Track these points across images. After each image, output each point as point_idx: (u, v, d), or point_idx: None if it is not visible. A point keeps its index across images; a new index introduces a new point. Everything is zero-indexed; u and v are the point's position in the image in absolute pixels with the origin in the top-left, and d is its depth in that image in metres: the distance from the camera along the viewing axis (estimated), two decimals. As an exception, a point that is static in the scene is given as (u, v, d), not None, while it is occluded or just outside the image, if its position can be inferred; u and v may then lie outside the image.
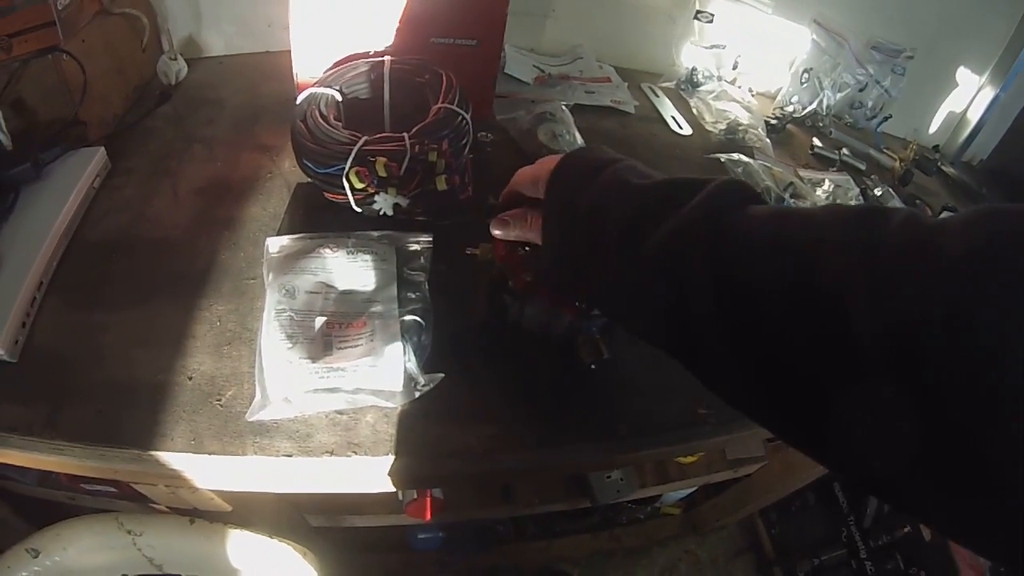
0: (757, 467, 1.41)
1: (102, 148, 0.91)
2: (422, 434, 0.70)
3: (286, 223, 0.88)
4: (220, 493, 0.87)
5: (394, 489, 0.73)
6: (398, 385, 0.70)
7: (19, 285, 0.76)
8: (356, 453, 0.68)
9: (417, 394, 0.71)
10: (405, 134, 0.81)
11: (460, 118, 0.86)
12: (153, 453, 0.66)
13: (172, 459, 0.67)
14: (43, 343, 0.74)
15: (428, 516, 1.13)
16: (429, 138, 0.82)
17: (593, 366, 0.73)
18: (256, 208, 0.90)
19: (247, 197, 0.91)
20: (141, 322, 0.76)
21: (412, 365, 0.72)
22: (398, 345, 0.72)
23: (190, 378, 0.72)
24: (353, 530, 1.27)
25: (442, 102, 0.87)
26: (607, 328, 0.73)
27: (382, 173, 0.78)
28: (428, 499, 1.12)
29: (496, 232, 0.68)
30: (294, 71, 0.97)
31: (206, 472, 0.69)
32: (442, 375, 0.72)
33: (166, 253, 0.84)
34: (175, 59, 1.05)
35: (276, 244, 0.82)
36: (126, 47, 1.03)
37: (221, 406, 0.70)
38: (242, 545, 0.86)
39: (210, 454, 0.67)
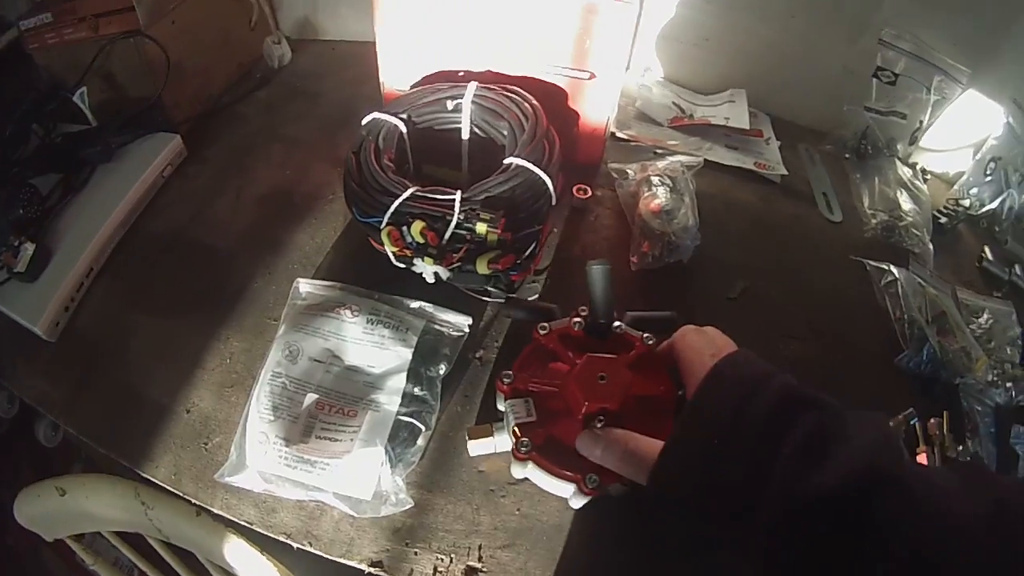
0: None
1: (178, 136, 0.89)
2: (383, 548, 0.62)
3: (327, 262, 0.81)
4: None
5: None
6: (367, 494, 0.63)
7: (69, 270, 0.78)
8: (311, 546, 0.63)
9: (383, 511, 0.63)
10: (458, 193, 0.69)
11: (537, 179, 0.72)
12: (138, 471, 0.68)
13: (154, 482, 0.68)
14: (81, 329, 0.77)
15: None
16: (487, 203, 0.69)
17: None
18: (305, 235, 0.84)
19: (301, 218, 0.86)
20: (167, 334, 0.76)
21: (388, 477, 0.63)
22: (379, 451, 0.63)
23: (188, 411, 0.70)
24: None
25: (518, 153, 0.73)
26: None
27: (418, 239, 0.68)
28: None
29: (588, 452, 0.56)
30: (380, 79, 0.87)
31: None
32: (411, 503, 0.63)
33: (209, 265, 0.82)
34: (279, 43, 1.00)
35: (304, 288, 0.75)
36: (232, 25, 0.99)
37: (206, 450, 0.68)
38: (233, 552, 0.86)
39: (184, 494, 0.66)
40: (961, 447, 0.76)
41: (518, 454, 0.57)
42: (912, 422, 0.75)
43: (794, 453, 0.44)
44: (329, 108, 1.00)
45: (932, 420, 0.76)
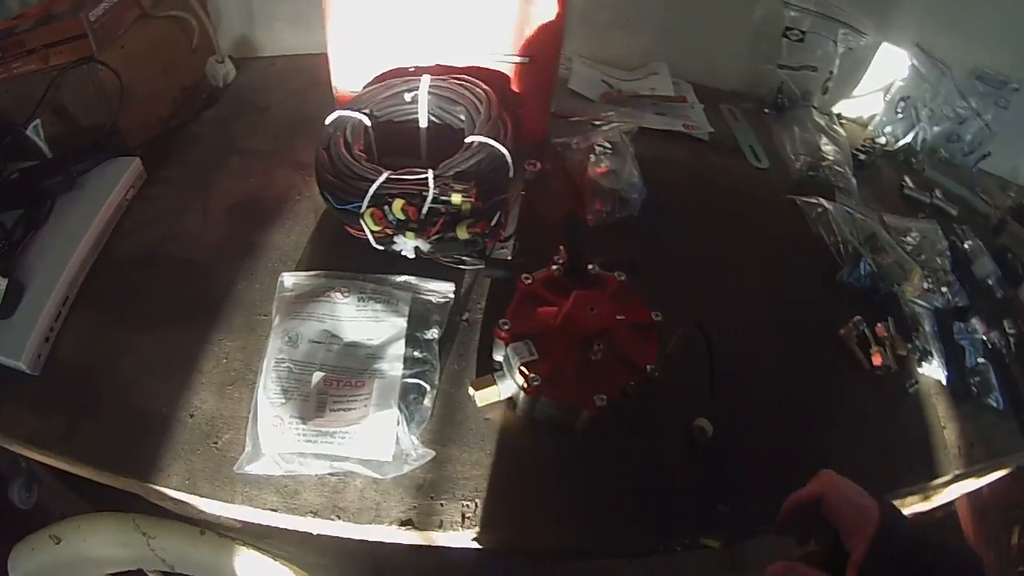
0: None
1: (137, 159, 0.90)
2: (410, 506, 0.66)
3: (306, 255, 0.84)
4: (224, 515, 0.87)
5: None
6: (387, 455, 0.66)
7: (44, 300, 0.77)
8: (340, 518, 0.65)
9: (406, 468, 0.66)
10: (430, 171, 0.74)
11: (497, 152, 0.78)
12: (151, 485, 0.67)
13: (167, 492, 0.67)
14: (66, 357, 0.75)
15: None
16: (456, 177, 0.75)
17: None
18: (280, 235, 0.87)
19: (273, 221, 0.88)
20: (157, 348, 0.76)
21: (405, 435, 0.67)
22: (393, 413, 0.67)
23: (192, 415, 0.71)
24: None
25: (477, 132, 0.79)
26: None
27: (399, 216, 0.72)
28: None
29: None
30: (332, 83, 0.92)
31: (202, 506, 0.69)
32: (432, 453, 0.67)
33: (189, 276, 0.83)
34: (222, 62, 1.02)
35: (290, 280, 0.78)
36: (174, 49, 1.01)
37: (217, 449, 0.69)
38: (244, 564, 0.86)
39: (201, 496, 0.66)
40: (910, 345, 0.86)
41: (529, 389, 0.62)
42: (861, 328, 0.85)
43: None
44: (280, 118, 1.03)
45: (879, 325, 0.86)
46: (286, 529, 0.69)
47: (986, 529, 1.30)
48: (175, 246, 0.86)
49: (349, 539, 0.68)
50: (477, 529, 0.65)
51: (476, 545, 0.66)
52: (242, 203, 0.91)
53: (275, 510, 0.65)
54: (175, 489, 0.67)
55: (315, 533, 0.68)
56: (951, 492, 1.20)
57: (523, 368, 0.64)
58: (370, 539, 0.68)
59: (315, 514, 0.65)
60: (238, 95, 1.06)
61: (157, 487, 0.67)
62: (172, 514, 0.91)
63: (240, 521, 0.81)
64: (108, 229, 0.86)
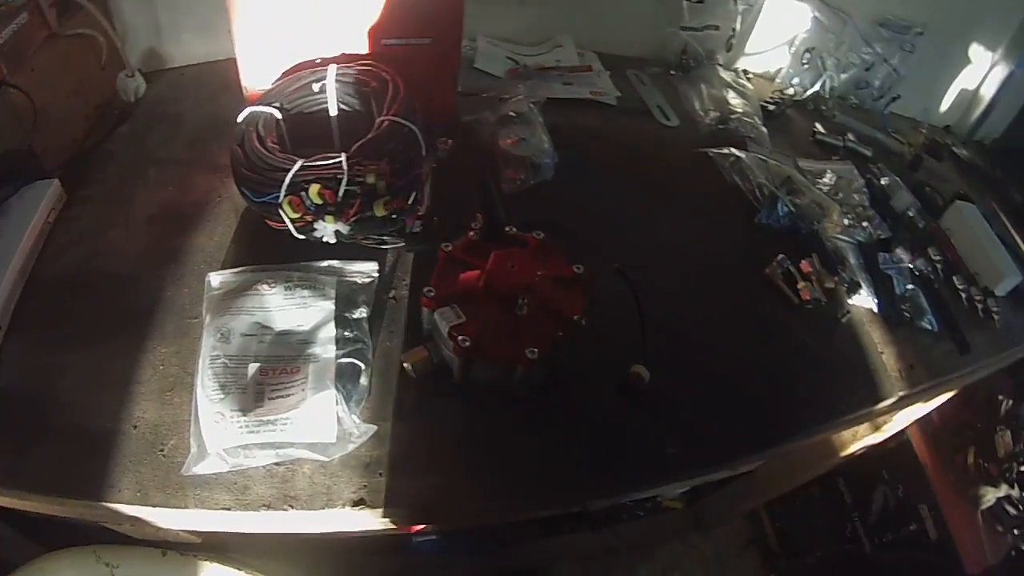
0: (756, 465, 1.35)
1: (56, 181, 0.89)
2: (360, 486, 0.67)
3: (231, 254, 0.85)
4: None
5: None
6: (331, 436, 0.68)
7: None
8: (293, 507, 0.66)
9: (351, 447, 0.68)
10: (343, 155, 0.76)
11: (407, 130, 0.80)
12: (103, 504, 0.66)
13: (122, 508, 0.67)
14: (6, 388, 0.74)
15: (412, 528, 1.11)
16: (370, 157, 0.76)
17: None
18: (203, 238, 0.87)
19: (195, 225, 0.89)
20: (94, 364, 0.75)
21: (346, 414, 0.68)
22: (331, 393, 0.68)
23: (135, 427, 0.71)
24: (349, 536, 1.27)
25: (386, 113, 0.81)
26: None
27: (316, 201, 0.74)
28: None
29: None
30: (242, 83, 0.92)
31: (156, 519, 0.69)
32: (374, 428, 0.69)
33: (117, 290, 0.83)
34: (132, 76, 1.02)
35: (217, 279, 0.79)
36: (84, 68, 0.99)
37: (164, 456, 0.69)
38: None
39: (154, 506, 0.66)
40: (836, 278, 0.91)
41: (459, 350, 0.65)
42: (786, 265, 0.90)
43: None
44: (194, 125, 1.03)
45: (803, 261, 0.91)
46: (245, 536, 0.69)
47: (940, 453, 1.37)
48: (101, 262, 0.85)
49: (310, 538, 0.69)
50: (430, 503, 0.67)
51: (428, 523, 0.68)
52: (163, 212, 0.91)
53: (228, 508, 0.66)
54: (127, 503, 0.66)
55: (272, 533, 0.69)
56: (901, 420, 1.26)
57: (452, 331, 0.66)
58: (327, 529, 0.69)
59: (268, 507, 0.66)
60: (150, 107, 1.05)
61: (109, 504, 0.66)
62: (131, 540, 0.91)
63: (197, 532, 0.82)
64: (34, 254, 0.85)
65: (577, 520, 1.46)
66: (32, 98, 0.86)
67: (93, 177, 0.95)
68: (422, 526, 1.11)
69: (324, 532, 0.71)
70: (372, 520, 0.68)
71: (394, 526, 0.71)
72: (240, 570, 0.89)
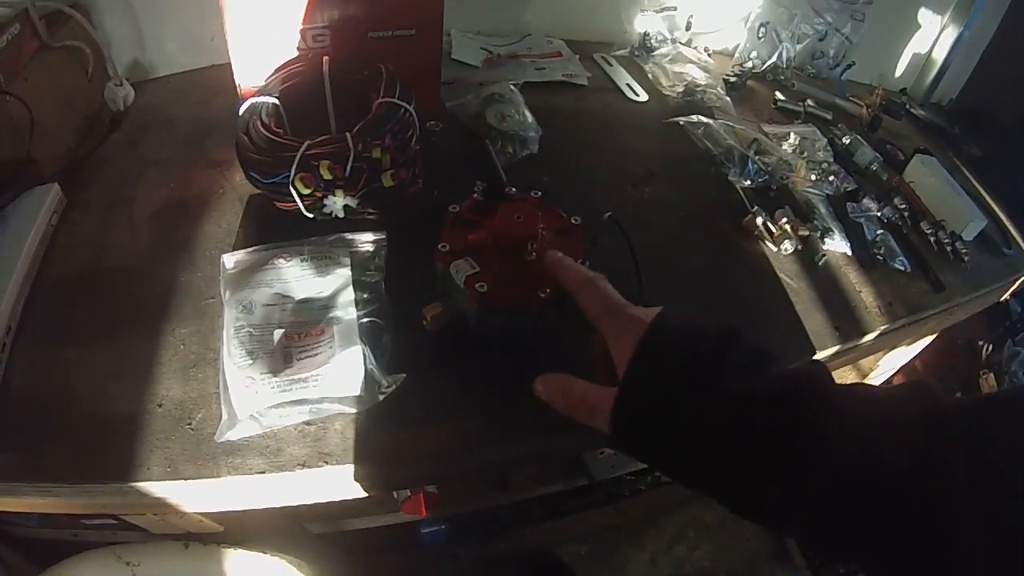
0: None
1: (56, 185, 0.91)
2: (393, 437, 0.70)
3: (241, 237, 0.88)
4: (207, 515, 0.88)
5: (369, 495, 0.73)
6: (360, 389, 0.71)
7: None
8: (328, 463, 0.68)
9: (381, 397, 0.71)
10: (348, 133, 0.80)
11: (403, 110, 0.85)
12: (133, 484, 0.67)
13: (152, 488, 0.67)
14: (19, 387, 0.74)
15: (424, 512, 1.13)
16: (372, 135, 0.81)
17: None
18: (211, 226, 0.90)
19: (202, 216, 0.91)
20: (110, 354, 0.76)
21: (373, 368, 0.72)
22: (357, 348, 0.72)
23: (160, 405, 0.72)
24: (358, 532, 1.28)
25: (382, 96, 0.86)
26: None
27: (327, 176, 0.78)
28: (422, 496, 1.13)
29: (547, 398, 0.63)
30: (236, 82, 0.96)
31: (186, 497, 0.69)
32: (404, 375, 0.72)
33: (130, 281, 0.84)
34: (120, 85, 1.04)
35: (231, 260, 0.81)
36: (72, 79, 1.02)
37: (192, 430, 0.70)
38: (236, 564, 0.87)
39: (186, 479, 0.67)
40: (809, 225, 0.98)
41: (477, 295, 0.69)
42: (760, 218, 0.96)
43: (739, 366, 0.50)
44: (188, 126, 1.06)
45: (777, 211, 0.97)
46: (274, 513, 0.70)
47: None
48: (108, 259, 0.87)
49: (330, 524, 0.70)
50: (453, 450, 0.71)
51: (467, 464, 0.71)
52: (167, 208, 0.93)
53: (263, 472, 0.67)
54: (157, 480, 0.67)
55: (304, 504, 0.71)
56: (886, 367, 1.33)
57: (468, 279, 0.70)
58: (359, 489, 0.71)
59: (303, 465, 0.67)
60: (141, 115, 1.08)
61: (138, 484, 0.66)
62: (150, 538, 0.91)
63: (224, 514, 0.83)
64: (38, 258, 0.85)
65: (582, 496, 1.49)
66: (29, 107, 0.88)
67: (92, 182, 0.97)
68: (433, 487, 1.15)
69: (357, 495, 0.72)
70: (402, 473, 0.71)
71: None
72: (265, 553, 0.90)
